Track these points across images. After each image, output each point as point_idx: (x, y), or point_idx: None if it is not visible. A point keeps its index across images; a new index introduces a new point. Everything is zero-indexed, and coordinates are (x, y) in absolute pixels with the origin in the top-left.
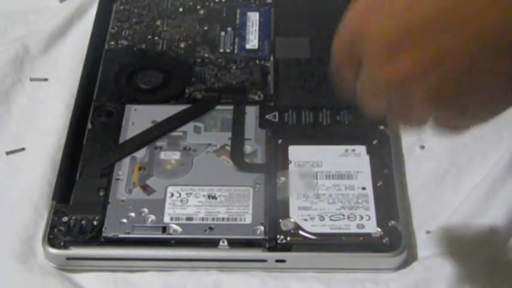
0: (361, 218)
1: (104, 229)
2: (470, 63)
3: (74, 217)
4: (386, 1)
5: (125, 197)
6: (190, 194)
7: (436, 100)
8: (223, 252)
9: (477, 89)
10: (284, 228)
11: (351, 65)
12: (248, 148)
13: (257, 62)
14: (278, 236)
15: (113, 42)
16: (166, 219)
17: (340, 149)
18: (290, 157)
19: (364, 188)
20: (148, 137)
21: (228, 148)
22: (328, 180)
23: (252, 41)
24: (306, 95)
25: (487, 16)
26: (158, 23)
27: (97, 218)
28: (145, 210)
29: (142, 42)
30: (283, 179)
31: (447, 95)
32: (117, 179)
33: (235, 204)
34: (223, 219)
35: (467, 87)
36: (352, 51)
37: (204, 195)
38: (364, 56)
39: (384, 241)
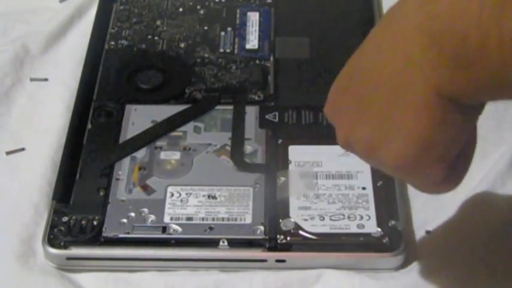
0: (361, 218)
1: (104, 229)
2: None
3: (74, 217)
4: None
5: (124, 197)
6: (190, 194)
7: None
8: (223, 252)
9: None
10: (284, 228)
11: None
12: (248, 148)
13: (257, 62)
14: (278, 236)
15: (113, 42)
16: (166, 219)
17: (340, 149)
18: (290, 157)
19: (364, 188)
20: (149, 137)
21: (228, 148)
22: (328, 180)
23: (252, 41)
24: (306, 95)
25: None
26: (158, 23)
27: (97, 218)
28: (145, 210)
29: (142, 42)
30: (283, 179)
31: None
32: (117, 179)
33: (235, 204)
34: (223, 219)
35: None
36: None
37: (204, 195)
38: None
39: (384, 241)
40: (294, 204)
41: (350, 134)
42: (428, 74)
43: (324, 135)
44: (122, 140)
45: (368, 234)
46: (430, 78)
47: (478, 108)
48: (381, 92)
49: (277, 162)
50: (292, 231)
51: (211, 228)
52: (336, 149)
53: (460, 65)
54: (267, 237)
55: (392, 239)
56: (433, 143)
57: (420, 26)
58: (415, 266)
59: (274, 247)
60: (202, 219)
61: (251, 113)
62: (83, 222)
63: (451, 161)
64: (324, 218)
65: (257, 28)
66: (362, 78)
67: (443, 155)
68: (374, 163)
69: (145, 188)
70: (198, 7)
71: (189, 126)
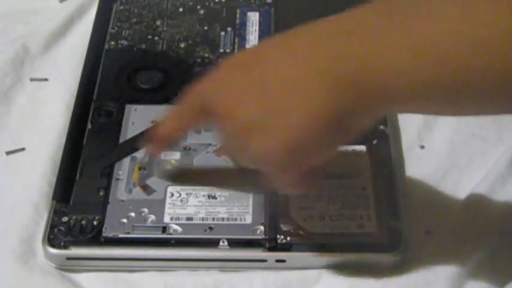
0: (361, 218)
1: (104, 229)
2: None
3: (74, 217)
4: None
5: (124, 197)
6: (190, 194)
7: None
8: (223, 252)
9: None
10: (284, 228)
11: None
12: None
13: None
14: (278, 236)
15: (113, 42)
16: (166, 219)
17: (340, 149)
18: None
19: (364, 188)
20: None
21: None
22: (328, 180)
23: (252, 41)
24: None
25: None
26: (158, 23)
27: (97, 218)
28: (145, 210)
29: (142, 42)
30: None
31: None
32: (117, 179)
33: (235, 204)
34: (223, 219)
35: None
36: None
37: (204, 195)
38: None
39: (384, 241)
40: (294, 204)
41: (234, 107)
42: (330, 94)
43: None
44: (122, 140)
45: (368, 234)
46: (331, 96)
47: (352, 135)
48: (283, 88)
49: None
50: (292, 231)
51: (211, 228)
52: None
53: (358, 89)
54: (267, 237)
55: (392, 239)
56: (304, 150)
57: (335, 58)
58: (415, 266)
59: (274, 247)
60: (202, 219)
61: None
62: (83, 222)
63: (305, 174)
64: (324, 218)
65: (257, 28)
66: (267, 68)
67: (305, 163)
68: (236, 143)
69: (145, 188)
70: (198, 7)
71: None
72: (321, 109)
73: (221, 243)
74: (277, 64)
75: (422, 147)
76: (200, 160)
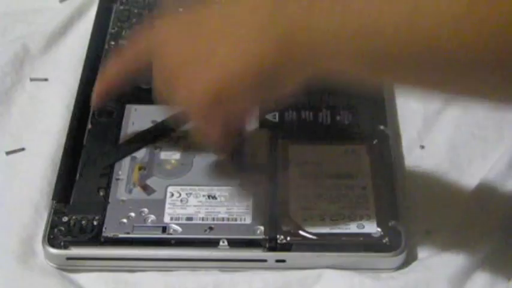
0: (361, 218)
1: (104, 229)
2: None
3: (74, 217)
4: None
5: (124, 197)
6: (190, 194)
7: None
8: (223, 252)
9: None
10: (284, 228)
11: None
12: (248, 148)
13: None
14: (278, 236)
15: (113, 42)
16: (166, 219)
17: (340, 149)
18: (290, 157)
19: (364, 188)
20: (149, 137)
21: None
22: (328, 180)
23: None
24: (306, 95)
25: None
26: None
27: (97, 218)
28: (145, 210)
29: None
30: (283, 179)
31: None
32: (117, 179)
33: (235, 204)
34: (223, 219)
35: None
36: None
37: (204, 195)
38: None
39: (384, 241)
40: (294, 204)
41: (168, 47)
42: (261, 45)
43: (324, 135)
44: (122, 140)
45: (368, 234)
46: (262, 46)
47: (280, 90)
48: (218, 34)
49: (277, 162)
50: (292, 231)
51: (211, 228)
52: (336, 149)
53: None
54: (267, 237)
55: (392, 239)
56: (228, 94)
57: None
58: (415, 266)
59: (274, 247)
60: (202, 219)
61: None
62: (83, 222)
63: (228, 128)
64: (324, 218)
65: None
66: (206, 18)
67: (229, 112)
68: (166, 84)
69: (145, 188)
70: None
71: (189, 126)
72: (249, 55)
73: (221, 243)
74: (217, 16)
75: (422, 147)
76: (200, 160)
